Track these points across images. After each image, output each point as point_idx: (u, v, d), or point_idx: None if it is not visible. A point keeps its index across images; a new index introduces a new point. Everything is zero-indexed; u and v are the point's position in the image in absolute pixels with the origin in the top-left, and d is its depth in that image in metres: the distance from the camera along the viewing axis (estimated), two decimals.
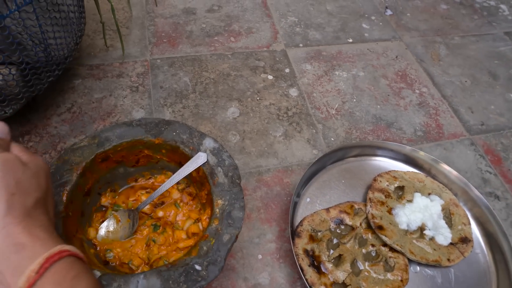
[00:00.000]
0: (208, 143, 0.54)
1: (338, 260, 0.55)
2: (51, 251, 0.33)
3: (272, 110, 0.76)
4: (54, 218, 0.40)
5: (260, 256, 0.57)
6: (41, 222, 0.36)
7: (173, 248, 0.53)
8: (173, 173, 0.57)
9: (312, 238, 0.57)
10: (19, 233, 0.33)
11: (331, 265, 0.54)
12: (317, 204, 0.63)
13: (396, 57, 0.90)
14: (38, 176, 0.38)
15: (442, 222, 0.61)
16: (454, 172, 0.66)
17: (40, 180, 0.38)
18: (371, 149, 0.69)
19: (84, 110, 0.73)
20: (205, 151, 0.53)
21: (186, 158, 0.53)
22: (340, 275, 0.53)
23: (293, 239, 0.56)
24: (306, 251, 0.55)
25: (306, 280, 0.52)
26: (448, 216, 0.62)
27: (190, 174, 0.55)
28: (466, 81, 0.86)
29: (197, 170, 0.53)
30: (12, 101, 0.59)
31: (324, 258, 0.55)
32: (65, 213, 0.47)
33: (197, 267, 0.43)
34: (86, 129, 0.69)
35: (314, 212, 0.60)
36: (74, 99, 0.74)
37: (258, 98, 0.78)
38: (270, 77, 0.82)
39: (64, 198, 0.47)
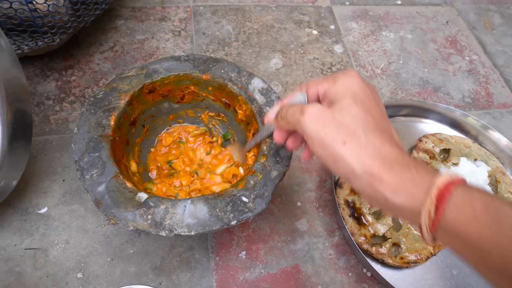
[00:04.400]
0: (257, 83, 0.52)
1: (379, 214, 0.54)
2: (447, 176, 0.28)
3: (316, 64, 0.74)
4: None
5: (299, 203, 0.56)
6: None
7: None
8: (217, 113, 0.57)
9: (353, 190, 0.55)
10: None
11: (371, 217, 0.53)
12: None
13: (447, 22, 0.86)
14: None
15: (488, 189, 0.59)
16: (504, 140, 0.63)
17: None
18: (418, 110, 0.66)
19: (126, 50, 0.72)
20: (253, 91, 0.51)
21: (233, 96, 0.52)
22: (381, 228, 0.52)
23: (335, 189, 0.55)
24: (347, 202, 0.54)
25: (347, 229, 0.51)
26: (494, 183, 0.60)
27: (235, 115, 0.54)
28: None
29: (245, 109, 0.52)
30: (61, 29, 0.58)
31: (365, 210, 0.54)
32: (113, 137, 0.46)
33: (244, 199, 0.42)
34: (128, 68, 0.69)
35: None
36: (117, 39, 0.74)
37: (302, 52, 0.76)
38: (315, 32, 0.80)
39: (112, 122, 0.47)
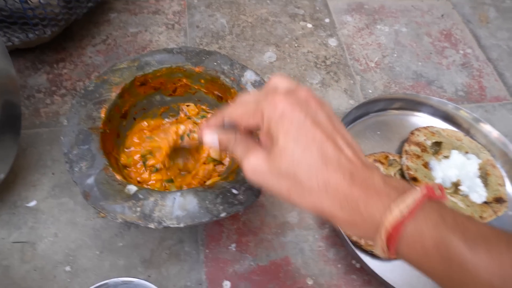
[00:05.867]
0: (250, 75, 0.52)
1: None
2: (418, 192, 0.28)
3: (310, 57, 0.74)
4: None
5: None
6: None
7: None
8: (209, 106, 0.57)
9: None
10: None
11: None
12: None
13: (442, 16, 0.86)
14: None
15: (478, 181, 0.59)
16: (495, 133, 0.63)
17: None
18: (410, 103, 0.66)
19: (119, 43, 0.72)
20: (246, 83, 0.51)
21: (226, 89, 0.52)
22: None
23: None
24: None
25: None
26: (484, 176, 0.60)
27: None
28: None
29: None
30: (52, 21, 0.58)
31: None
32: (103, 130, 0.46)
33: (234, 191, 0.42)
34: (120, 60, 0.68)
35: (353, 139, 0.58)
36: (109, 32, 0.73)
37: (296, 45, 0.75)
38: (309, 25, 0.79)
39: (103, 115, 0.47)
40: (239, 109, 0.34)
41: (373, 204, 0.28)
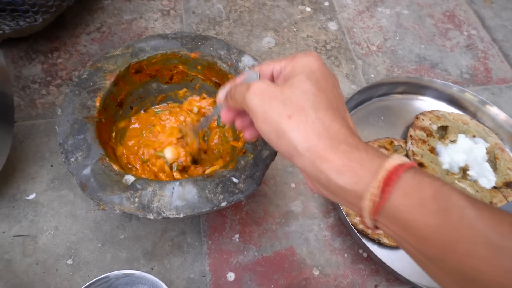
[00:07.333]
0: (247, 60, 0.50)
1: None
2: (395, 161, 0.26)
3: (310, 42, 0.72)
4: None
5: (293, 185, 0.55)
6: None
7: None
8: (207, 93, 0.55)
9: None
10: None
11: None
12: None
13: None
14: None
15: (486, 165, 0.58)
16: (502, 115, 0.61)
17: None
18: (414, 87, 0.65)
19: (113, 31, 0.70)
20: (243, 69, 0.50)
21: (223, 75, 0.50)
22: None
23: None
24: None
25: (342, 209, 0.49)
26: (493, 160, 0.59)
27: None
28: None
29: None
30: (43, 7, 0.56)
31: None
32: (99, 119, 0.45)
33: (234, 179, 0.41)
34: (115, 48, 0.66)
35: None
36: (104, 19, 0.71)
37: (295, 30, 0.73)
38: (308, 9, 0.77)
39: (98, 103, 0.45)
40: (263, 65, 0.34)
41: (373, 151, 0.27)
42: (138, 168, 0.49)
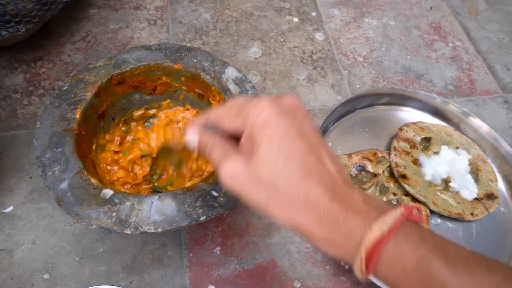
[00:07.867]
0: (231, 72, 0.50)
1: None
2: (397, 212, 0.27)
3: (296, 52, 0.72)
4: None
5: None
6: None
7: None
8: (191, 104, 0.55)
9: None
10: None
11: None
12: (339, 150, 0.60)
13: (431, 8, 0.84)
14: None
15: (469, 177, 0.58)
16: (485, 127, 0.62)
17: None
18: (398, 98, 0.65)
19: (99, 40, 0.69)
20: (227, 80, 0.50)
21: (207, 87, 0.50)
22: None
23: None
24: None
25: None
26: (475, 171, 0.59)
27: (209, 107, 0.52)
28: (504, 38, 0.81)
29: (218, 100, 0.50)
30: (25, 17, 0.55)
31: None
32: (78, 131, 0.44)
33: (214, 193, 0.40)
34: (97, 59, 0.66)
35: (336, 157, 0.57)
36: (89, 28, 0.71)
37: (281, 40, 0.74)
38: (296, 19, 0.78)
39: (78, 116, 0.45)
40: (224, 111, 0.33)
41: (354, 221, 0.27)
42: (118, 170, 0.49)
